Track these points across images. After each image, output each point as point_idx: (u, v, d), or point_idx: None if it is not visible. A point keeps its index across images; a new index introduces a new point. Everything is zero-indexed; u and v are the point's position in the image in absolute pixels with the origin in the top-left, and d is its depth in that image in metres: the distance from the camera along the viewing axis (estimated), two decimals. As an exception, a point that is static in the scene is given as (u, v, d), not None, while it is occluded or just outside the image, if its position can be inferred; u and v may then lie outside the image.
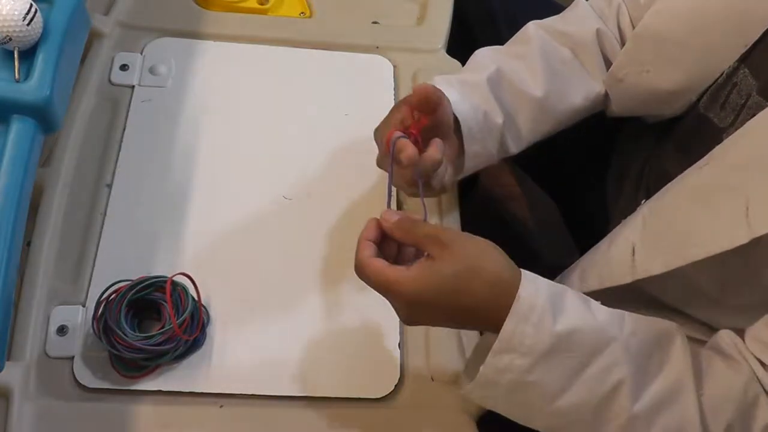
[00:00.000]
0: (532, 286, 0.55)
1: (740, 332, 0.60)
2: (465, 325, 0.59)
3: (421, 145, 0.63)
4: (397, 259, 0.60)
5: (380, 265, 0.56)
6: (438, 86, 0.67)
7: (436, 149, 0.62)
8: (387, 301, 0.58)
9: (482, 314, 0.55)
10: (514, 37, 0.79)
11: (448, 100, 0.67)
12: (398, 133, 0.61)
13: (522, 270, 0.56)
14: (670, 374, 0.56)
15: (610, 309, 0.58)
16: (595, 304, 0.57)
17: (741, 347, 0.58)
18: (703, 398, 0.55)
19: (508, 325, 0.54)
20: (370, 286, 0.57)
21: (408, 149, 0.60)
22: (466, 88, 0.71)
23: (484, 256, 0.56)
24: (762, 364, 0.56)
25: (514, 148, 0.74)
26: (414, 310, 0.56)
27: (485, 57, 0.76)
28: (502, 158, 0.75)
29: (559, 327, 0.54)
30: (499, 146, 0.73)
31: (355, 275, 0.58)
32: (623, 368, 0.54)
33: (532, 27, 0.78)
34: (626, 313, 0.58)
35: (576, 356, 0.54)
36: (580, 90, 0.76)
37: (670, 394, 0.55)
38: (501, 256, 0.56)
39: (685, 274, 0.59)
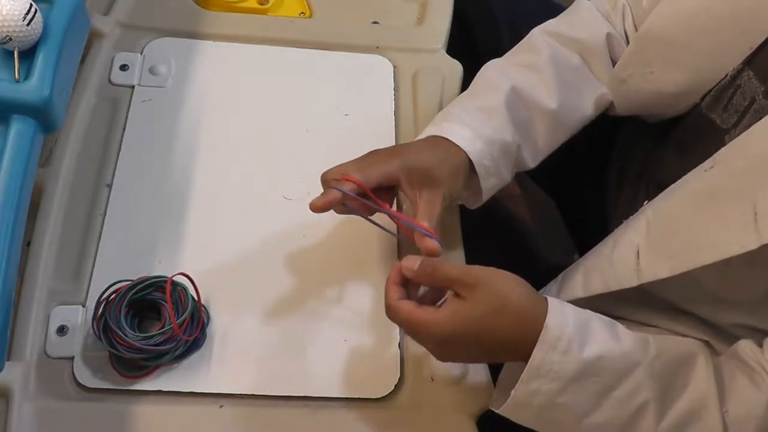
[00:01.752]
0: (559, 314, 0.57)
1: (742, 328, 0.61)
2: (495, 359, 0.62)
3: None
4: (422, 296, 0.63)
5: (411, 308, 0.58)
6: (448, 131, 0.69)
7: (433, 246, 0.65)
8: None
9: (512, 347, 0.57)
10: (520, 44, 0.78)
11: (428, 154, 0.68)
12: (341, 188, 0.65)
13: (549, 298, 0.58)
14: (693, 393, 0.57)
15: (635, 333, 0.59)
16: (621, 329, 0.59)
17: (761, 359, 0.59)
18: (726, 415, 0.56)
19: (537, 354, 0.55)
20: (402, 328, 0.61)
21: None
22: (480, 117, 0.71)
23: (511, 291, 0.57)
24: None
25: (531, 163, 0.74)
26: (446, 348, 0.59)
27: (496, 73, 0.76)
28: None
29: (587, 353, 0.55)
30: (513, 168, 0.73)
31: (355, 275, 0.58)
32: (648, 390, 0.56)
33: (538, 34, 0.77)
34: (650, 336, 0.59)
35: (603, 380, 0.56)
36: (591, 97, 0.76)
37: (695, 412, 0.56)
38: (526, 289, 0.58)
39: (688, 275, 0.59)
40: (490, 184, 0.71)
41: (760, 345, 0.59)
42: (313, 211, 0.65)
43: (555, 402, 0.56)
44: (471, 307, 0.56)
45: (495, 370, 0.68)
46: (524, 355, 0.56)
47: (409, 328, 0.59)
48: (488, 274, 0.58)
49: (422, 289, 0.63)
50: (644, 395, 0.56)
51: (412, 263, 0.60)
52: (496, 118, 0.71)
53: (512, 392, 0.57)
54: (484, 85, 0.75)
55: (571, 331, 0.56)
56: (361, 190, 0.65)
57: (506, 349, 0.58)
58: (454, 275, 0.58)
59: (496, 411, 0.61)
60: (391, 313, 0.60)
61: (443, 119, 0.72)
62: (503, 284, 0.58)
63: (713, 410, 0.56)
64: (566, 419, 0.57)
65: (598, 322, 0.58)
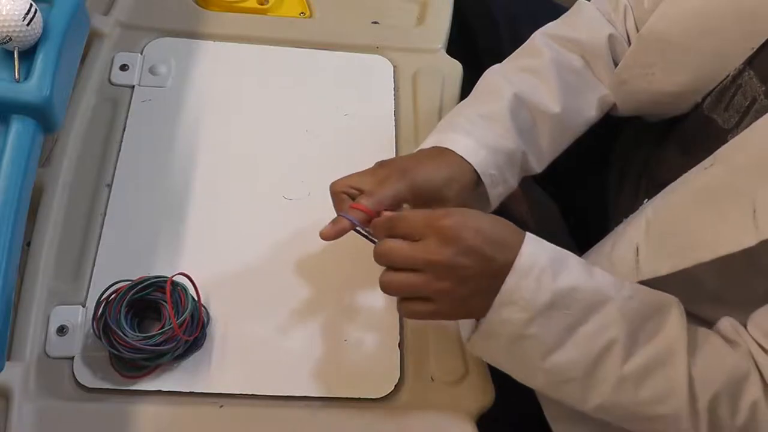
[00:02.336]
0: (535, 244, 0.57)
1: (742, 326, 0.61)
2: (489, 278, 0.58)
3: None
4: None
5: (412, 212, 0.59)
6: (451, 141, 0.69)
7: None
8: (387, 301, 0.59)
9: (502, 257, 0.56)
10: (521, 48, 0.78)
11: (429, 169, 0.67)
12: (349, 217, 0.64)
13: (526, 233, 0.58)
14: (663, 340, 0.57)
15: (610, 275, 0.59)
16: (597, 270, 0.59)
17: (740, 330, 0.59)
18: (694, 367, 0.56)
19: (509, 280, 0.56)
20: (409, 232, 0.58)
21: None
22: (484, 125, 0.71)
23: (489, 218, 0.59)
24: (761, 347, 0.57)
25: (537, 168, 0.74)
26: (463, 243, 0.56)
27: (498, 79, 0.75)
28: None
29: (559, 284, 0.56)
30: (519, 174, 0.73)
31: (356, 275, 0.58)
32: (617, 328, 0.56)
33: (540, 37, 0.77)
34: (627, 280, 0.60)
35: (573, 313, 0.56)
36: (594, 99, 0.76)
37: (661, 359, 0.56)
38: (506, 222, 0.59)
39: (688, 273, 0.59)
40: (497, 192, 0.71)
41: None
42: (324, 239, 0.64)
43: (524, 333, 0.56)
44: (476, 212, 0.57)
45: (494, 373, 0.68)
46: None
47: (424, 220, 0.57)
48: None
49: None
50: (612, 333, 0.56)
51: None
52: (499, 126, 0.71)
53: (482, 320, 0.57)
54: (487, 91, 0.75)
55: (546, 261, 0.56)
56: (370, 217, 0.64)
57: (502, 253, 0.56)
58: (428, 213, 0.58)
59: (466, 345, 0.61)
60: (395, 218, 0.59)
61: (448, 128, 0.72)
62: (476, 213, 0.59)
63: (680, 360, 0.56)
64: (534, 354, 0.57)
65: (574, 258, 0.59)
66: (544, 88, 0.74)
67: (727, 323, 0.60)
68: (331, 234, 0.64)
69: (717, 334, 0.60)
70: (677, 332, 0.57)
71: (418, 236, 0.57)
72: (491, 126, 0.71)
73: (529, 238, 0.57)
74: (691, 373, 0.56)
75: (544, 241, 0.58)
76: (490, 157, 0.69)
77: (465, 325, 0.62)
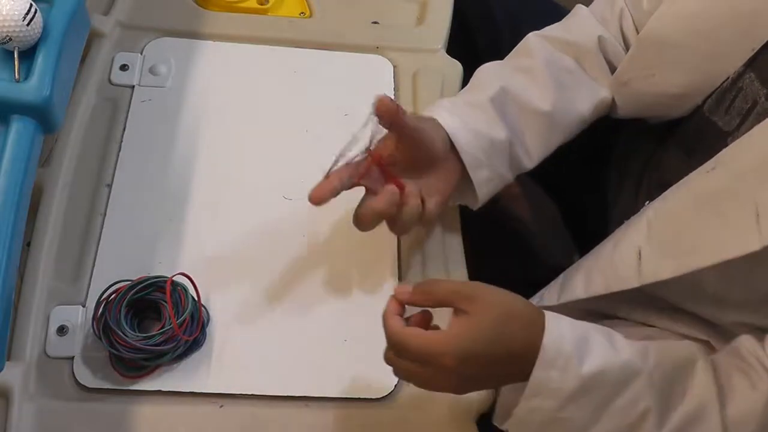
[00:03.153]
0: (556, 330, 0.56)
1: (744, 326, 0.61)
2: (513, 374, 0.58)
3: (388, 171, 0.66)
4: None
5: (418, 332, 0.57)
6: (436, 114, 0.68)
7: (382, 199, 0.64)
8: (386, 302, 0.59)
9: (522, 355, 0.56)
10: (515, 49, 0.78)
11: (434, 123, 0.67)
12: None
13: (545, 312, 0.57)
14: (693, 398, 0.57)
15: (633, 342, 0.59)
16: (619, 339, 0.59)
17: (761, 356, 0.59)
18: (726, 418, 0.56)
19: (536, 373, 0.55)
20: (410, 358, 0.57)
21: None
22: (468, 111, 0.71)
23: (511, 300, 0.57)
24: None
25: (528, 164, 0.74)
26: (464, 369, 0.56)
27: (488, 74, 0.75)
28: (516, 176, 0.75)
29: (586, 369, 0.55)
30: (510, 166, 0.73)
31: (356, 275, 0.58)
32: (649, 399, 0.56)
33: (533, 38, 0.77)
34: (649, 344, 0.59)
35: (603, 392, 0.56)
36: (587, 98, 0.75)
37: (695, 417, 0.57)
38: (524, 300, 0.58)
39: (690, 276, 0.59)
40: (483, 176, 0.70)
41: (761, 341, 0.59)
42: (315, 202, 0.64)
43: (556, 417, 0.56)
44: (479, 319, 0.55)
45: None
46: (526, 365, 0.56)
47: (422, 355, 0.56)
48: (485, 286, 0.57)
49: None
50: (644, 404, 0.56)
51: (404, 288, 0.59)
52: (483, 113, 0.71)
53: (514, 410, 0.57)
54: (476, 85, 0.76)
55: (570, 348, 0.55)
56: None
57: (518, 359, 0.56)
58: (452, 287, 0.57)
59: (499, 427, 0.61)
60: (397, 343, 0.57)
61: (434, 107, 0.72)
62: (502, 294, 0.57)
63: (713, 413, 0.56)
64: (570, 431, 0.58)
65: (595, 334, 0.58)
66: (534, 87, 0.74)
67: (747, 343, 0.60)
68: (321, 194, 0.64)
69: (737, 359, 0.59)
70: (706, 387, 0.57)
71: (425, 364, 0.56)
72: (474, 112, 0.71)
73: (549, 326, 0.56)
74: (725, 424, 0.56)
75: (563, 322, 0.57)
76: (472, 139, 0.69)
77: (497, 413, 0.63)
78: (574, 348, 0.55)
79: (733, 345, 0.61)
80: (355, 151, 0.66)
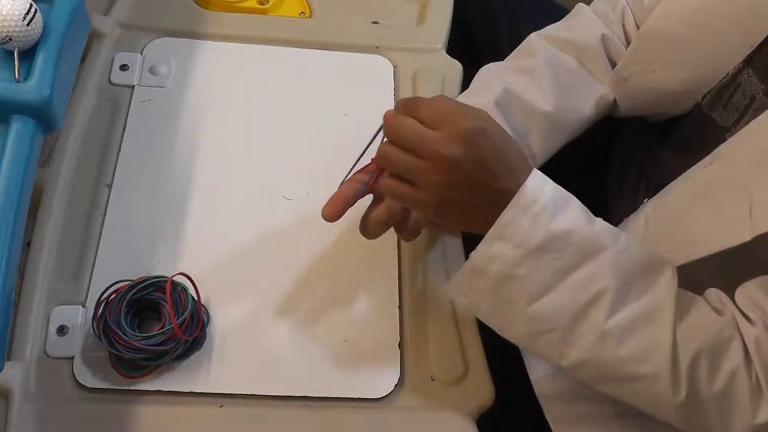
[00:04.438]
0: (540, 181, 0.56)
1: None
2: (487, 210, 0.57)
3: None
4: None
5: (442, 98, 0.57)
6: None
7: (384, 209, 0.64)
8: (387, 301, 0.58)
9: (504, 195, 0.55)
10: (517, 49, 0.78)
11: None
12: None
13: (534, 169, 0.57)
14: (651, 298, 0.56)
15: (610, 225, 0.58)
16: (598, 219, 0.58)
17: (725, 300, 0.59)
18: (678, 328, 0.56)
19: (507, 214, 0.55)
20: (428, 117, 0.56)
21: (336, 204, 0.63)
22: None
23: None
24: (744, 315, 0.57)
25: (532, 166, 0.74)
26: (466, 154, 0.55)
27: (491, 76, 0.75)
28: None
29: (555, 225, 0.55)
30: None
31: (356, 275, 0.57)
32: (607, 280, 0.55)
33: (535, 38, 0.77)
34: (625, 234, 0.59)
35: (565, 258, 0.55)
36: (590, 98, 0.76)
37: (647, 317, 0.56)
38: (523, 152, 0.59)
39: (688, 269, 0.59)
40: None
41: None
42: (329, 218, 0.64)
43: (513, 273, 0.55)
44: (489, 120, 0.56)
45: (495, 372, 0.68)
46: (496, 212, 0.56)
47: (438, 116, 0.56)
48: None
49: None
50: (602, 283, 0.55)
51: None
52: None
53: (472, 254, 0.56)
54: (478, 87, 0.76)
55: (546, 200, 0.55)
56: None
57: (496, 194, 0.56)
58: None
59: (449, 287, 0.60)
60: (413, 102, 0.57)
61: None
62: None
63: (666, 320, 0.55)
64: (519, 297, 0.56)
65: (576, 202, 0.58)
66: (535, 87, 0.74)
67: (713, 293, 0.60)
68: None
69: (704, 301, 0.59)
70: (666, 293, 0.57)
71: (439, 124, 0.55)
72: None
73: (536, 173, 0.56)
74: (675, 335, 0.55)
75: (550, 180, 0.57)
76: None
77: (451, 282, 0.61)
78: (551, 202, 0.55)
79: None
80: (365, 161, 0.65)
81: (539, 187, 0.56)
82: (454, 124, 0.55)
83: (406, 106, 0.58)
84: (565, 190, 0.58)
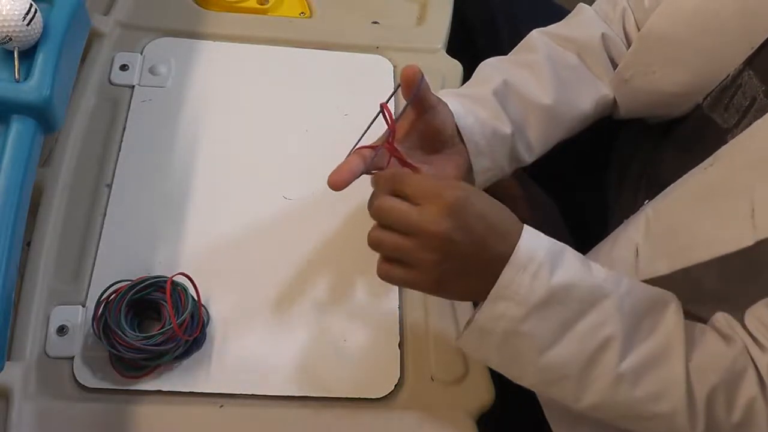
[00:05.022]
0: (533, 238, 0.56)
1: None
2: (482, 278, 0.57)
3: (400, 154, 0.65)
4: None
5: (421, 175, 0.57)
6: (445, 99, 0.68)
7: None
8: (387, 301, 0.58)
9: (499, 263, 0.55)
10: (518, 45, 0.78)
11: (448, 108, 0.67)
12: (364, 151, 0.63)
13: (524, 225, 0.57)
14: (660, 337, 0.56)
15: (609, 270, 0.58)
16: (595, 265, 0.58)
17: (734, 325, 0.58)
18: (691, 363, 0.56)
19: (506, 274, 0.55)
20: (412, 192, 0.56)
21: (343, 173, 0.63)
22: (471, 102, 0.71)
23: (495, 201, 0.58)
24: (755, 341, 0.57)
25: (527, 157, 0.74)
26: (456, 228, 0.55)
27: (491, 69, 0.75)
28: (514, 170, 0.75)
29: (555, 280, 0.55)
30: (510, 159, 0.73)
31: (356, 275, 0.57)
32: (614, 325, 0.55)
33: (536, 34, 0.77)
34: (624, 275, 0.59)
35: (569, 310, 0.55)
36: (589, 94, 0.75)
37: (659, 356, 0.56)
38: (508, 211, 0.58)
39: (689, 273, 0.59)
40: (483, 165, 0.70)
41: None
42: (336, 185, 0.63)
43: (518, 330, 0.55)
44: (471, 190, 0.56)
45: (495, 372, 0.68)
46: (494, 274, 0.56)
47: (421, 194, 0.55)
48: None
49: None
50: (609, 330, 0.55)
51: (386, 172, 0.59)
52: (486, 104, 0.71)
53: (476, 315, 0.56)
54: (478, 79, 0.76)
55: (543, 256, 0.55)
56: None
57: (490, 264, 0.56)
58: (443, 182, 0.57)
59: (458, 342, 0.60)
60: (395, 179, 0.57)
61: (440, 95, 0.71)
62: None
63: (678, 357, 0.56)
64: (527, 352, 0.57)
65: (572, 252, 0.58)
66: (535, 81, 0.74)
67: (721, 318, 0.60)
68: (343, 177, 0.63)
69: (712, 329, 0.59)
70: (674, 329, 0.57)
71: (421, 200, 0.56)
72: (478, 104, 0.71)
73: (528, 230, 0.57)
74: (689, 371, 0.55)
75: (542, 234, 0.58)
76: (476, 126, 0.69)
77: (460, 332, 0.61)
78: (548, 257, 0.55)
79: (709, 322, 0.61)
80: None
81: (534, 243, 0.56)
82: (437, 198, 0.55)
83: (387, 183, 0.58)
84: (558, 242, 0.58)
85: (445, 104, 0.68)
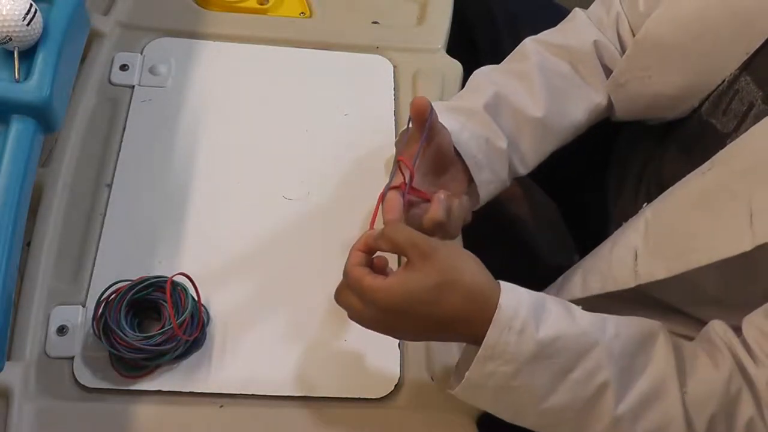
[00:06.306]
0: (512, 295, 0.56)
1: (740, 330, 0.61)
2: (438, 336, 0.60)
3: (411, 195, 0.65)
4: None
5: (360, 274, 0.57)
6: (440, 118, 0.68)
7: (437, 207, 0.62)
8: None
9: (459, 327, 0.56)
10: (512, 53, 0.78)
11: (446, 128, 0.67)
12: (391, 193, 0.63)
13: (501, 282, 0.57)
14: (652, 373, 0.56)
15: (592, 314, 0.58)
16: (577, 310, 0.58)
17: (730, 337, 0.58)
18: (686, 395, 0.56)
19: (491, 335, 0.55)
20: (354, 292, 0.58)
21: (392, 213, 0.62)
22: (465, 117, 0.71)
23: (464, 269, 0.56)
24: (751, 354, 0.57)
25: (522, 170, 0.74)
26: (389, 318, 0.57)
27: (483, 79, 0.76)
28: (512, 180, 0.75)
29: (542, 334, 0.55)
30: (509, 170, 0.73)
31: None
32: (607, 371, 0.55)
33: (529, 43, 0.77)
34: (608, 316, 0.59)
35: (560, 362, 0.55)
36: (582, 104, 0.75)
37: (654, 394, 0.56)
38: (480, 270, 0.57)
39: (687, 277, 0.59)
40: (484, 178, 0.70)
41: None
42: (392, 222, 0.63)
43: (511, 385, 0.55)
44: (421, 277, 0.55)
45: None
46: (474, 336, 0.56)
47: (357, 293, 0.57)
48: (446, 247, 0.57)
49: None
50: (603, 376, 0.55)
51: (373, 232, 0.59)
52: (478, 119, 0.71)
53: (467, 374, 0.56)
54: (470, 90, 0.76)
55: (526, 312, 0.55)
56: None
57: (452, 328, 0.57)
58: (413, 239, 0.56)
59: (452, 393, 0.60)
60: (345, 277, 0.58)
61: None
62: (458, 260, 0.57)
63: (673, 391, 0.56)
64: (523, 402, 0.57)
65: (553, 302, 0.58)
66: (526, 92, 0.74)
67: (718, 327, 0.59)
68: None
69: (702, 348, 0.59)
70: (666, 364, 0.57)
71: (368, 303, 0.57)
72: (470, 118, 0.71)
73: (506, 288, 0.56)
74: (685, 402, 0.55)
75: (520, 288, 0.57)
76: (472, 140, 0.69)
77: (453, 378, 0.62)
78: (531, 312, 0.55)
79: (704, 331, 0.61)
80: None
81: (515, 300, 0.56)
82: (371, 305, 0.57)
83: (346, 278, 0.59)
84: (539, 294, 0.58)
85: (443, 125, 0.68)
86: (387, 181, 0.64)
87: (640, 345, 0.58)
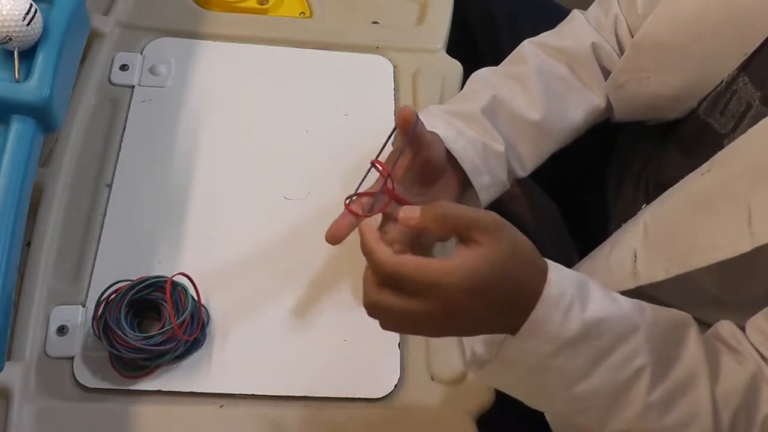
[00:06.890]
0: (559, 271, 0.54)
1: (741, 329, 0.61)
2: (506, 317, 0.53)
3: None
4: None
5: (418, 260, 0.50)
6: (433, 126, 0.68)
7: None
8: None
9: (528, 298, 0.52)
10: (510, 56, 0.78)
11: (438, 138, 0.67)
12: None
13: (548, 260, 0.55)
14: (686, 363, 0.56)
15: (631, 299, 0.57)
16: (617, 295, 0.57)
17: (741, 338, 0.58)
18: (715, 388, 0.55)
19: (539, 310, 0.51)
20: (406, 290, 0.50)
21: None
22: (461, 122, 0.71)
23: (524, 242, 0.53)
24: (761, 355, 0.57)
25: (521, 173, 0.74)
26: (469, 303, 0.50)
27: (481, 82, 0.76)
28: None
29: (589, 314, 0.53)
30: (508, 173, 0.73)
31: (356, 275, 0.57)
32: (645, 356, 0.54)
33: (527, 45, 0.77)
34: (645, 303, 0.58)
35: (601, 344, 0.53)
36: (580, 106, 0.76)
37: (686, 384, 0.55)
38: (531, 244, 0.54)
39: (687, 278, 0.59)
40: (483, 183, 0.70)
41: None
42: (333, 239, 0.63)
43: (548, 365, 0.53)
44: (491, 252, 0.49)
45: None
46: (525, 310, 0.52)
47: (426, 285, 0.49)
48: (503, 221, 0.52)
49: None
50: (640, 361, 0.54)
51: (411, 212, 0.52)
52: (475, 123, 0.71)
53: (500, 350, 0.53)
54: (468, 93, 0.76)
55: (573, 290, 0.53)
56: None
57: (518, 302, 0.52)
58: (473, 216, 0.50)
59: (477, 373, 0.56)
60: (391, 272, 0.50)
61: (428, 117, 0.71)
62: (517, 233, 0.53)
63: (704, 383, 0.55)
64: (556, 384, 0.55)
65: (594, 284, 0.56)
66: (524, 95, 0.74)
67: (727, 328, 0.59)
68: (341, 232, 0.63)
69: (721, 342, 0.59)
70: (698, 355, 0.56)
71: (420, 294, 0.50)
72: (467, 123, 0.71)
73: (553, 266, 0.53)
74: (714, 396, 0.55)
75: (564, 267, 0.55)
76: (469, 147, 0.69)
77: (475, 350, 0.57)
78: (577, 291, 0.53)
79: (714, 330, 0.60)
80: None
81: (562, 278, 0.53)
82: (438, 298, 0.50)
83: (388, 278, 0.51)
84: (581, 274, 0.56)
85: (435, 134, 0.67)
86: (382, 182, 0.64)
87: (674, 334, 0.57)
